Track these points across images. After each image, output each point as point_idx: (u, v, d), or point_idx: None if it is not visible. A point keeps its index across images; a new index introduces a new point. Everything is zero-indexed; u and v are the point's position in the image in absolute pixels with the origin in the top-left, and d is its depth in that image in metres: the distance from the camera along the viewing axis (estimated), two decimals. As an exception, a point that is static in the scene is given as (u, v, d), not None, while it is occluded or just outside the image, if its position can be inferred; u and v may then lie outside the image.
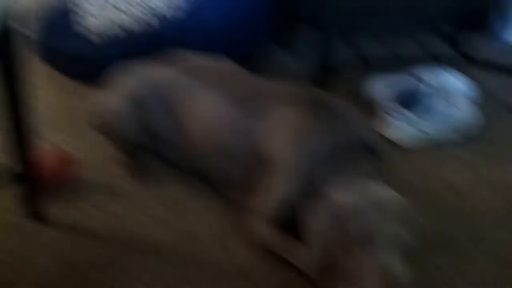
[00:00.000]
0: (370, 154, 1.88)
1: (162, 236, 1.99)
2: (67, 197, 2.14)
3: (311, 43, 2.86)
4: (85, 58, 2.87)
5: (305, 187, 1.84)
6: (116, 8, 2.87)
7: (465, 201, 2.17)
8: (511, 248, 1.95)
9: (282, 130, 1.92)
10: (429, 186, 2.23)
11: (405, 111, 2.45)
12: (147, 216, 2.08)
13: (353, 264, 1.62)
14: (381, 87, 2.67)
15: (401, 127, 2.44)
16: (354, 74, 2.89)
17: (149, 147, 2.33)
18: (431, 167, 2.35)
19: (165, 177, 2.27)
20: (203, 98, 2.12)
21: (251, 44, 2.99)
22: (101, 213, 2.08)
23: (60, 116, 2.63)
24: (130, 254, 1.91)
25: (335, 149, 1.85)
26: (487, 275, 1.85)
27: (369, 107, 2.69)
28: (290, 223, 1.87)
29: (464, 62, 2.84)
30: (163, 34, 2.78)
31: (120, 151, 2.32)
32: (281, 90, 2.05)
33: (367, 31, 3.07)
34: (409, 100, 2.50)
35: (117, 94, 2.25)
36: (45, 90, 2.81)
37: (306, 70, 2.91)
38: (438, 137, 2.49)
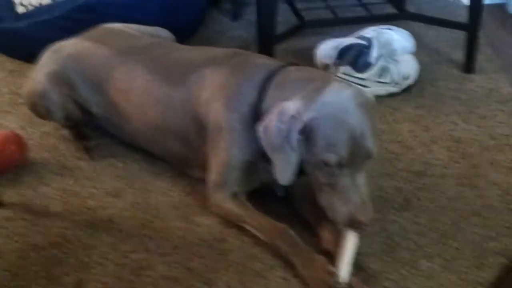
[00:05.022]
0: None
1: (117, 208, 1.98)
2: (18, 177, 2.11)
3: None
4: (16, 34, 2.80)
5: (252, 144, 1.82)
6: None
7: (416, 155, 2.21)
8: (461, 197, 2.01)
9: (211, 95, 1.90)
10: (381, 144, 2.26)
11: (350, 69, 2.48)
12: (99, 190, 2.06)
13: (328, 178, 1.65)
14: (325, 48, 2.69)
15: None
16: (298, 37, 2.91)
17: (89, 124, 2.31)
18: (380, 123, 2.38)
19: (117, 151, 2.25)
20: (133, 76, 2.08)
21: (195, 14, 2.97)
22: (52, 190, 2.06)
23: (6, 98, 2.57)
24: (85, 228, 1.90)
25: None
26: (442, 226, 1.90)
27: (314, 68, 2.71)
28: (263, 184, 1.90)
29: (405, 18, 2.87)
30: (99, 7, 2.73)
31: (65, 128, 2.30)
32: (208, 57, 2.01)
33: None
34: (353, 59, 2.52)
35: (41, 73, 2.19)
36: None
37: (253, 38, 2.92)
38: (382, 92, 2.52)
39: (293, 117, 1.64)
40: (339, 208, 1.64)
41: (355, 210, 1.62)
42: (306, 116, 1.63)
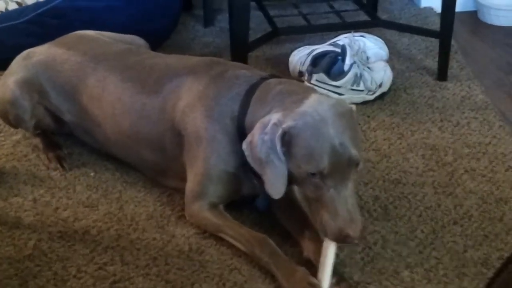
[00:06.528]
0: None
1: (91, 219, 1.94)
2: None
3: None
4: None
5: (234, 156, 1.81)
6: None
7: (392, 163, 2.21)
8: (438, 206, 2.00)
9: (189, 104, 1.87)
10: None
11: (324, 77, 2.47)
12: (72, 200, 2.02)
13: (314, 191, 1.63)
14: (298, 55, 2.68)
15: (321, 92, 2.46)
16: (272, 44, 2.90)
17: (60, 133, 2.27)
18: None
19: (89, 160, 2.21)
20: (106, 83, 2.05)
21: (167, 21, 2.94)
22: (24, 201, 2.01)
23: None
24: (59, 239, 1.86)
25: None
26: (420, 233, 1.89)
27: (288, 75, 2.70)
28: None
29: (378, 25, 2.87)
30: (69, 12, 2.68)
31: (36, 137, 2.26)
32: (184, 65, 1.99)
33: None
34: (327, 66, 2.52)
35: (11, 80, 2.15)
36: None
37: (225, 44, 2.91)
38: (358, 100, 2.52)
39: (274, 125, 1.63)
40: (327, 222, 1.61)
41: (343, 224, 1.59)
42: (286, 125, 1.62)
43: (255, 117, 1.73)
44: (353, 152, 1.61)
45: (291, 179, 1.68)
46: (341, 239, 1.61)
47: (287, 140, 1.62)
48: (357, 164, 1.64)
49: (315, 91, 1.78)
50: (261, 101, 1.76)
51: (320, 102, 1.66)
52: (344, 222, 1.59)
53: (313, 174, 1.60)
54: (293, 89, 1.76)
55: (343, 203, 1.60)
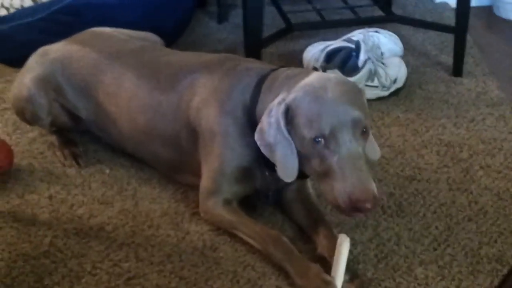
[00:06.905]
0: None
1: (106, 216, 1.95)
2: (3, 185, 2.07)
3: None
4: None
5: (247, 149, 1.81)
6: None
7: (406, 159, 2.20)
8: (453, 203, 2.00)
9: (203, 100, 1.87)
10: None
11: (338, 73, 2.47)
12: (87, 197, 2.03)
13: (321, 163, 1.61)
14: (312, 51, 2.68)
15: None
16: (285, 40, 2.90)
17: (76, 130, 2.28)
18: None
19: (105, 157, 2.22)
20: (122, 80, 2.06)
21: (181, 17, 2.94)
22: (40, 198, 2.02)
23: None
24: (74, 236, 1.87)
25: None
26: (434, 230, 1.89)
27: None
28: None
29: (392, 21, 2.86)
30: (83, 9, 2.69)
31: (52, 134, 2.27)
32: (199, 62, 1.99)
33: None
34: (341, 62, 2.51)
35: (27, 78, 2.16)
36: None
37: (239, 40, 2.93)
38: (372, 96, 2.51)
39: (278, 104, 1.66)
40: (336, 191, 1.57)
41: (352, 187, 1.54)
42: (288, 99, 1.64)
43: (265, 105, 1.74)
44: (356, 113, 1.60)
45: (300, 160, 1.67)
46: (354, 207, 1.55)
47: (291, 116, 1.64)
48: (364, 129, 1.62)
49: (318, 71, 1.79)
50: (270, 89, 1.77)
51: (321, 76, 1.70)
52: (353, 186, 1.54)
53: (317, 142, 1.59)
54: (298, 72, 1.77)
55: (350, 167, 1.56)
